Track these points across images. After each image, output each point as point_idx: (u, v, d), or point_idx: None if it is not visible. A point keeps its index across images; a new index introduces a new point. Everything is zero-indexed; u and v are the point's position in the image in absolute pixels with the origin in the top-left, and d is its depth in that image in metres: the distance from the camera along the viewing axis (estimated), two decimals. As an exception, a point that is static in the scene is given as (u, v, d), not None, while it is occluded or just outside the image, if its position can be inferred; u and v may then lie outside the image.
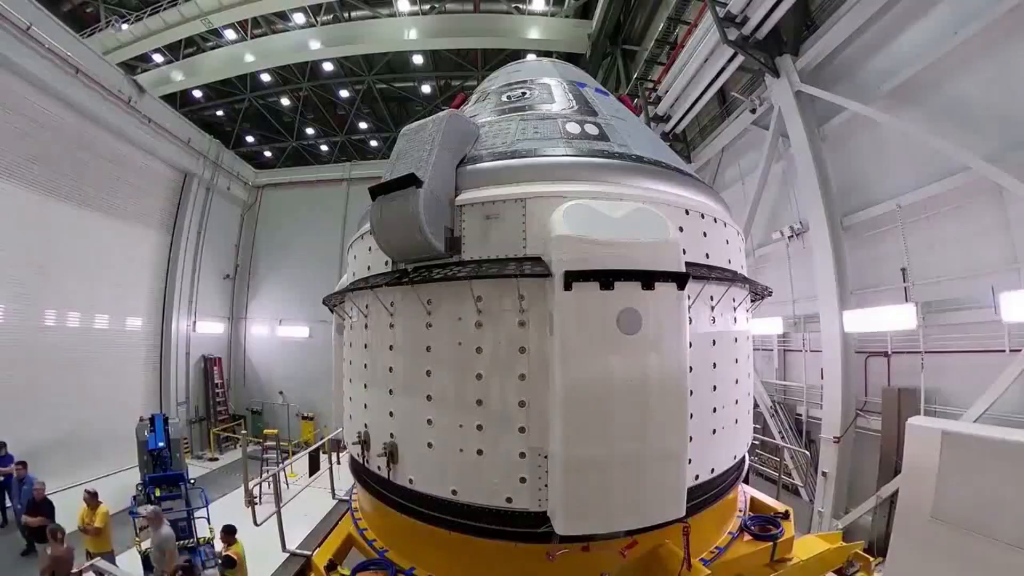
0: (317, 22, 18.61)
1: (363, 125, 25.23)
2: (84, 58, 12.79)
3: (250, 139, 25.79)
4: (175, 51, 19.41)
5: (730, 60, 10.19)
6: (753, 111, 10.45)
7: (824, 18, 8.73)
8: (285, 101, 23.49)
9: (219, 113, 23.99)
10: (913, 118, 7.21)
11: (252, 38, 19.11)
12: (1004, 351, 6.08)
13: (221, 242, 19.85)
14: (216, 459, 16.19)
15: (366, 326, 3.60)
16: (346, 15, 18.85)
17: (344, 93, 22.74)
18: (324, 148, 26.57)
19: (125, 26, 17.83)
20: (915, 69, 7.12)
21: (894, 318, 7.52)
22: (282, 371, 19.78)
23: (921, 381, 7.21)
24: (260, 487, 5.55)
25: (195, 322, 18.22)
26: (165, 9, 17.48)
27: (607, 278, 2.61)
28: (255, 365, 20.62)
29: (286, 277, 20.46)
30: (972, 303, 6.50)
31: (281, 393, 19.49)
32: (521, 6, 18.20)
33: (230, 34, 18.95)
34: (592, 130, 3.56)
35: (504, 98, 4.13)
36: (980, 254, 6.56)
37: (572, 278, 2.60)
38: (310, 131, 25.67)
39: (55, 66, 11.99)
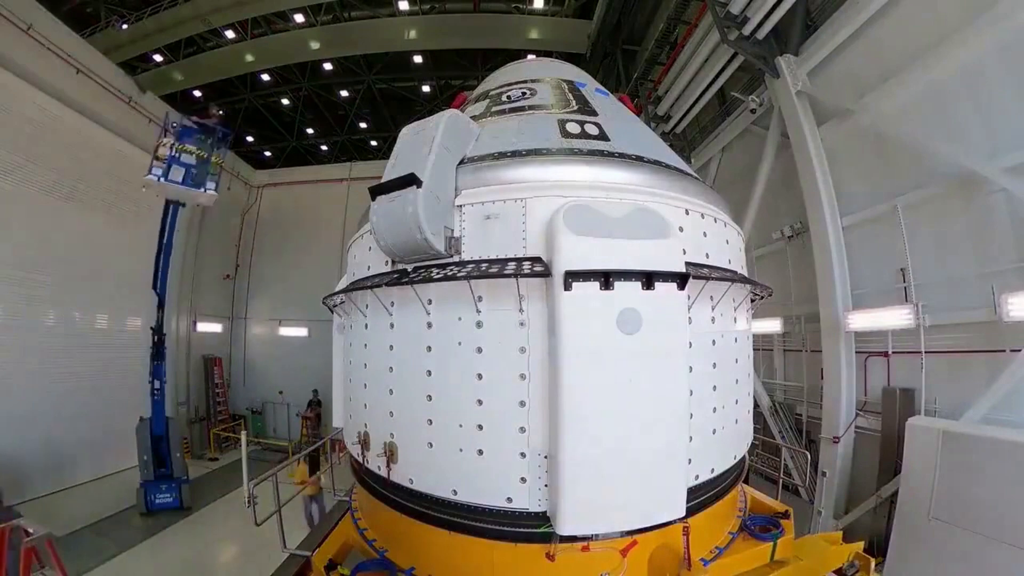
0: (317, 22, 18.55)
1: (363, 125, 25.19)
2: (85, 58, 12.85)
3: (250, 139, 25.76)
4: (175, 51, 19.36)
5: (730, 60, 10.19)
6: (753, 111, 10.38)
7: (824, 18, 8.66)
8: (285, 101, 23.46)
9: (219, 112, 23.92)
10: (913, 119, 7.17)
11: (252, 38, 19.04)
12: (1004, 351, 6.07)
13: (221, 242, 19.83)
14: (216, 459, 16.22)
15: (366, 326, 3.60)
16: (346, 15, 18.83)
17: (344, 93, 22.69)
18: (324, 148, 26.53)
19: (125, 26, 17.82)
20: (916, 70, 7.09)
21: (893, 318, 7.51)
22: (282, 371, 19.68)
23: (921, 381, 7.18)
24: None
25: (195, 322, 18.20)
26: (165, 9, 17.44)
27: (607, 278, 2.61)
28: (255, 365, 20.50)
29: (286, 277, 20.34)
30: (972, 303, 6.45)
31: (281, 393, 19.41)
32: (521, 5, 18.13)
33: (230, 34, 18.91)
34: (592, 130, 3.55)
35: (504, 98, 4.12)
36: (980, 254, 6.53)
37: (572, 278, 2.61)
38: (310, 131, 25.64)
39: (57, 66, 12.03)
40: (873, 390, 8.13)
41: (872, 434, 7.94)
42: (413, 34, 18.10)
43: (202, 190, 10.90)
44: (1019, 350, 5.87)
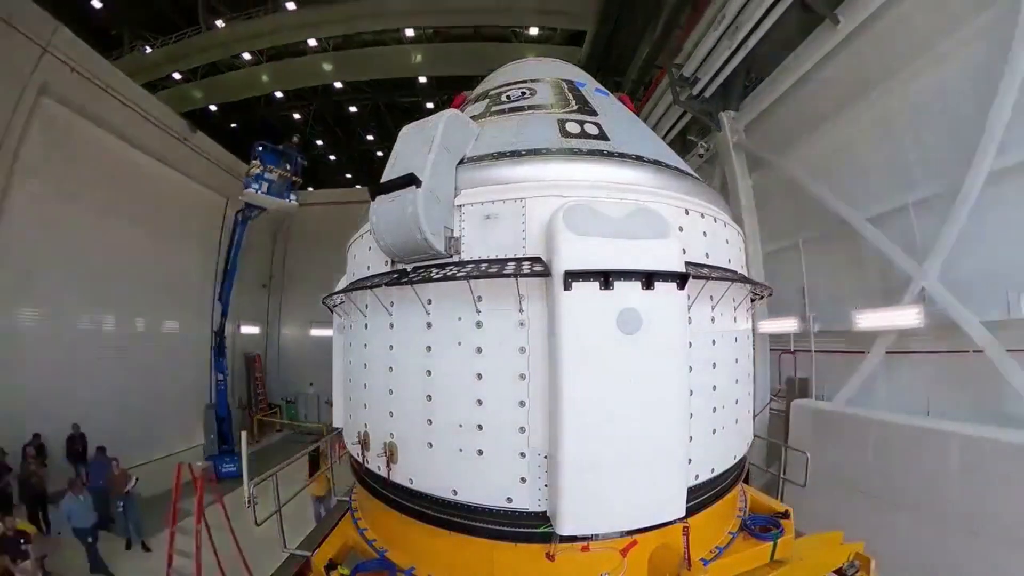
0: (329, 45, 18.80)
1: (370, 137, 25.46)
2: (149, 106, 14.32)
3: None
4: (194, 70, 19.63)
5: (683, 114, 11.66)
6: (701, 156, 11.89)
7: (764, 75, 9.79)
8: (296, 115, 23.69)
9: (233, 126, 24.09)
10: (814, 172, 8.67)
11: (267, 60, 19.33)
12: (863, 352, 7.67)
13: (258, 255, 20.74)
14: (258, 441, 17.71)
15: (366, 326, 3.45)
16: (354, 37, 18.98)
17: (352, 108, 22.96)
18: (332, 157, 26.64)
19: (149, 49, 18.47)
20: (816, 134, 8.71)
21: (790, 325, 9.47)
22: (312, 365, 20.33)
23: (812, 373, 8.99)
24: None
25: (239, 325, 19.53)
26: (189, 37, 17.97)
27: (607, 278, 2.49)
28: (288, 361, 22.00)
29: (314, 285, 20.53)
30: (844, 316, 7.92)
31: (311, 384, 20.43)
32: (518, 30, 18.37)
33: (247, 55, 19.21)
34: (592, 129, 3.39)
35: (504, 98, 3.95)
36: (853, 279, 8.26)
37: (572, 278, 2.47)
38: (319, 142, 25.87)
39: (132, 117, 13.47)
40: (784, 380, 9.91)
41: (782, 414, 9.44)
42: (419, 58, 18.73)
43: (287, 200, 13.48)
44: (867, 352, 7.52)
